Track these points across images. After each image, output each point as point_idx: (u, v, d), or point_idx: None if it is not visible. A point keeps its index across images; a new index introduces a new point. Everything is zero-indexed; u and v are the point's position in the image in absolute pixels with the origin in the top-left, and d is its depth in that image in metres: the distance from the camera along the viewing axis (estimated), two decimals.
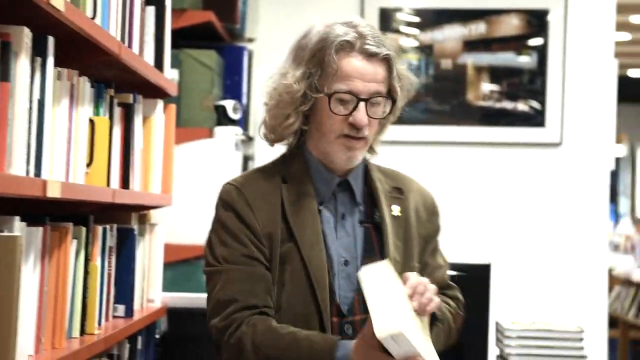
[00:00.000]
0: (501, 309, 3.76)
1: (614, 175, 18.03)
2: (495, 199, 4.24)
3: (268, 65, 4.23)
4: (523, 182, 4.24)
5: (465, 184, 4.27)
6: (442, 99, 4.31)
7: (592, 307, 4.18)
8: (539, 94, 4.25)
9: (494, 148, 4.26)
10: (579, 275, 4.19)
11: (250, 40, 4.15)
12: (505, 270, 4.10)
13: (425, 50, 4.32)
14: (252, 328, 1.89)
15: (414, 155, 4.30)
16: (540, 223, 4.21)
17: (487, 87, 4.29)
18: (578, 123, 4.22)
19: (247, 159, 4.09)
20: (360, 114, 1.95)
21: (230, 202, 1.97)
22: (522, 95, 4.27)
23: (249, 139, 4.20)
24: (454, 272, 2.91)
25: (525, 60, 4.27)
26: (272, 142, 2.05)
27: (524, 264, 4.18)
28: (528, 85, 4.27)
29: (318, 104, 1.97)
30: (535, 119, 4.25)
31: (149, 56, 2.66)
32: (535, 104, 4.25)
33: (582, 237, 4.21)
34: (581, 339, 2.94)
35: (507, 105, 4.27)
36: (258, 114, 4.33)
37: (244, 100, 3.81)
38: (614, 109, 4.28)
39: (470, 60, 4.30)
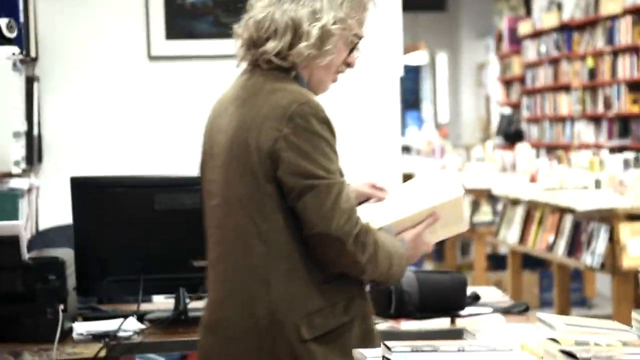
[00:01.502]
0: None
1: (417, 83, 18.51)
2: None
3: None
4: None
5: None
6: (232, 11, 4.24)
7: None
8: None
9: None
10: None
11: None
12: None
13: None
14: (372, 231, 2.18)
15: (205, 70, 4.24)
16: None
17: None
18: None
19: (31, 80, 3.92)
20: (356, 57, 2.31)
21: (326, 118, 2.17)
22: None
23: (32, 60, 4.03)
24: None
25: None
26: (290, 69, 2.21)
27: None
28: None
29: (337, 40, 2.22)
30: None
31: None
32: None
33: (375, 144, 4.27)
34: None
35: None
36: (41, 32, 4.16)
37: (21, 17, 3.64)
38: (400, 17, 4.32)
39: None
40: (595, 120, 10.24)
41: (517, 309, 2.87)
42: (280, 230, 2.16)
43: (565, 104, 10.92)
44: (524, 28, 11.99)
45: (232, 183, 2.19)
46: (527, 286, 6.68)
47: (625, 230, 4.72)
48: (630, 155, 5.65)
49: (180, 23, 4.20)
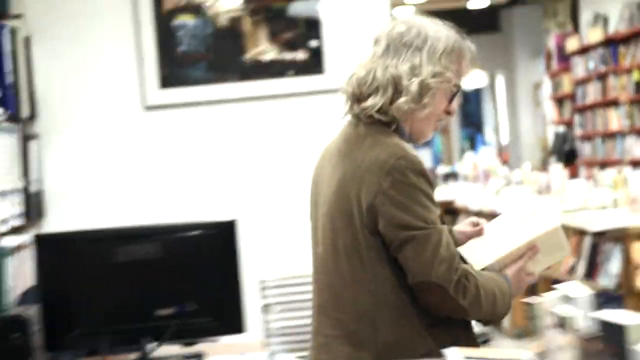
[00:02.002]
0: (259, 263, 3.82)
1: (478, 105, 18.38)
2: (268, 151, 4.28)
3: (41, 40, 4.21)
4: (307, 131, 4.28)
5: (254, 137, 4.29)
6: (223, 56, 4.31)
7: None
8: (316, 41, 4.28)
9: (276, 100, 4.29)
10: None
11: (17, 16, 4.08)
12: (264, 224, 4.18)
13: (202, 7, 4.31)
14: (473, 274, 2.25)
15: (202, 116, 4.31)
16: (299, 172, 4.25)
17: (265, 39, 4.30)
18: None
19: (28, 138, 4.04)
20: (456, 106, 2.41)
21: (422, 170, 2.25)
22: (300, 44, 4.30)
23: (28, 118, 4.15)
24: (197, 232, 2.96)
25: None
26: (391, 122, 2.32)
27: (282, 217, 4.22)
28: (306, 33, 4.30)
29: (436, 93, 2.32)
30: (315, 66, 4.29)
31: None
32: (313, 52, 4.29)
33: None
34: None
35: (287, 56, 4.30)
36: (40, 91, 4.28)
37: (9, 79, 3.76)
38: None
39: (246, 13, 4.31)
40: None
41: (480, 340, 2.85)
42: (385, 279, 2.25)
43: (615, 119, 10.76)
44: (571, 44, 11.87)
45: (338, 233, 2.30)
46: None
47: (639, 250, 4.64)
48: None
49: (174, 71, 4.29)
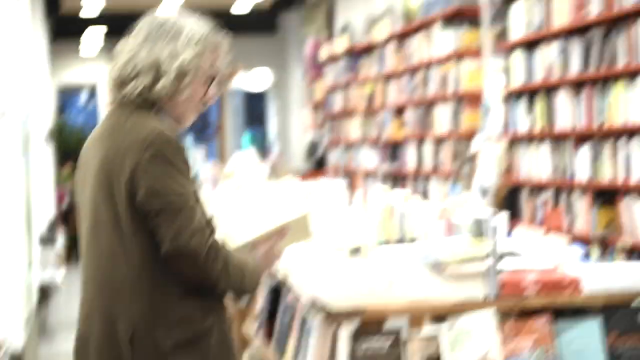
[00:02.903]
0: None
1: (264, 105, 18.35)
2: None
3: None
4: None
5: None
6: None
7: None
8: None
9: None
10: None
11: None
12: None
13: None
14: (221, 247, 2.41)
15: None
16: None
17: None
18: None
19: None
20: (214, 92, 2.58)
21: (178, 147, 2.40)
22: None
23: None
24: None
25: None
26: (154, 104, 2.47)
27: None
28: None
29: (193, 77, 2.49)
30: None
31: None
32: None
33: None
34: None
35: None
36: None
37: None
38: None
39: None
40: (375, 144, 10.24)
41: None
42: (142, 250, 2.39)
43: (354, 128, 10.91)
44: (324, 52, 11.97)
45: (99, 210, 2.43)
46: None
47: None
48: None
49: None
